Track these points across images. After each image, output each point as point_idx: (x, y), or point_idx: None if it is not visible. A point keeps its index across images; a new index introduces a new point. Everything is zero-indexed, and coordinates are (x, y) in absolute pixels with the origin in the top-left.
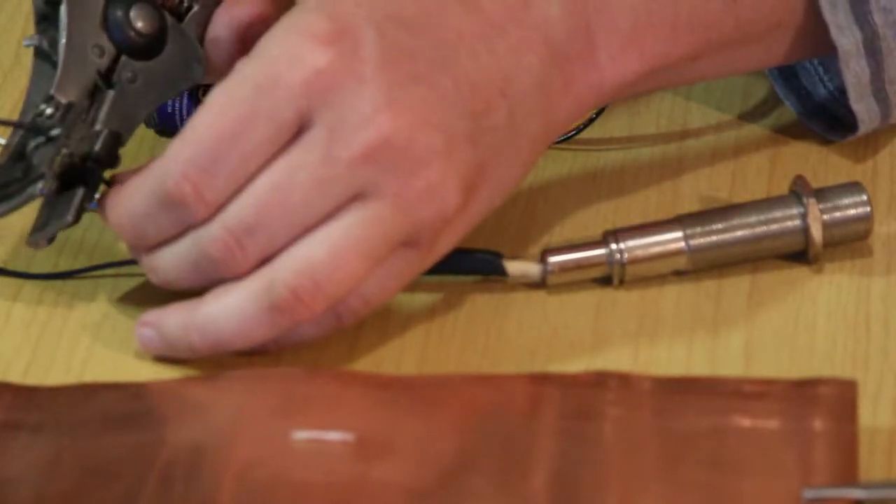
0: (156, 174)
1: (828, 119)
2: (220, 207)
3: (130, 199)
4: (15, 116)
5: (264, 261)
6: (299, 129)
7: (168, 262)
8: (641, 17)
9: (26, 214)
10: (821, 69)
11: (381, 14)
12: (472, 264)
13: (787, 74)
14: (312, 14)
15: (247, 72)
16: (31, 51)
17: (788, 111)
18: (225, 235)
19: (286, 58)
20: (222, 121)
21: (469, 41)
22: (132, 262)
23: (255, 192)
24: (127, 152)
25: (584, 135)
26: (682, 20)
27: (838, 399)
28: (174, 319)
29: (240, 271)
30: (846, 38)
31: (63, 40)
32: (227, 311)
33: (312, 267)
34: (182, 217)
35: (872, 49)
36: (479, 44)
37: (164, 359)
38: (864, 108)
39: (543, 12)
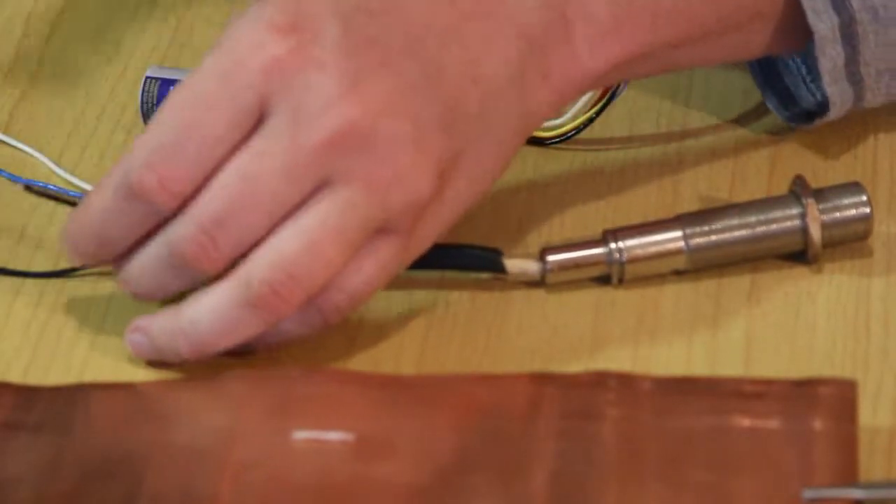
0: (119, 170)
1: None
2: (187, 201)
3: (94, 200)
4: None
5: (238, 258)
6: (262, 117)
7: (142, 269)
8: (621, 6)
9: (27, 214)
10: (804, 68)
11: (347, 6)
12: (471, 261)
13: (769, 73)
14: (275, 6)
15: (209, 62)
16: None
17: None
18: (195, 231)
19: (247, 45)
20: (184, 110)
21: (438, 31)
22: None
23: (222, 183)
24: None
25: (584, 135)
26: (662, 10)
27: (838, 399)
28: (160, 325)
29: (214, 268)
30: (823, 23)
31: None
32: (207, 312)
33: (286, 260)
34: (148, 211)
35: (849, 34)
36: (448, 34)
37: (159, 362)
38: (837, 91)
39: (518, 3)
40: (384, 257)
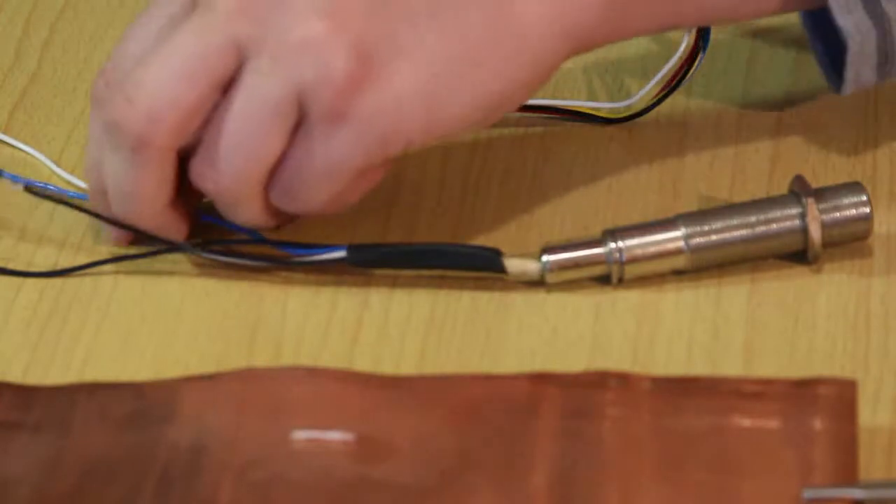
0: None
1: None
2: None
3: None
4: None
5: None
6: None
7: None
8: None
9: (27, 213)
10: None
11: None
12: (471, 260)
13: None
14: None
15: None
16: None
17: (788, 111)
18: (116, 95)
19: None
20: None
21: None
22: (132, 257)
23: (148, 57)
24: None
25: (584, 134)
26: None
27: (838, 399)
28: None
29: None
30: None
31: None
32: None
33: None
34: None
35: None
36: None
37: (164, 359)
38: (852, 23)
39: None
40: (326, 145)
